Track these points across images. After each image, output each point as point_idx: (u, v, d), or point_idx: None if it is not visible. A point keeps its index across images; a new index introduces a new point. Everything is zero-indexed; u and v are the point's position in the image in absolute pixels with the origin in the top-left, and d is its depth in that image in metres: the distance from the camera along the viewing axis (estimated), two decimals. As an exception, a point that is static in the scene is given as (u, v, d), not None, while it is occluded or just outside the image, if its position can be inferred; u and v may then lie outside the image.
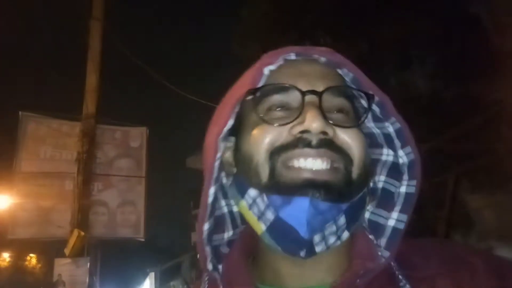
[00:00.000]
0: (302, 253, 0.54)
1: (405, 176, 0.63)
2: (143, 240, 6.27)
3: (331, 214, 0.54)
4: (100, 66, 5.25)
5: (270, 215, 0.56)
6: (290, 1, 8.15)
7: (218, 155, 0.62)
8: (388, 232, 0.63)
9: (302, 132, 0.55)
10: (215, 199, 0.64)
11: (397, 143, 0.64)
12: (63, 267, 5.03)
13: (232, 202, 0.69)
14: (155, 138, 6.56)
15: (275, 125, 0.57)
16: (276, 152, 0.56)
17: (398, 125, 0.63)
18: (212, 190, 0.63)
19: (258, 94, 0.60)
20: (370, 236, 0.63)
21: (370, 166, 0.61)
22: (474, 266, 0.57)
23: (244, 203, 0.60)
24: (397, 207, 0.63)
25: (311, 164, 0.54)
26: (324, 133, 0.55)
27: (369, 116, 0.65)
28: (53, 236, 5.54)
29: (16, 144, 5.47)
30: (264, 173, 0.56)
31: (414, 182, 0.63)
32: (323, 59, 0.63)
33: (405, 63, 8.70)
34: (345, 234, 0.57)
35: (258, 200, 0.58)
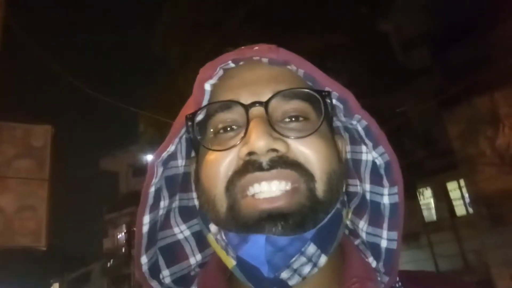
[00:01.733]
0: None
1: (385, 182, 0.57)
2: (44, 249, 5.77)
3: (295, 248, 0.48)
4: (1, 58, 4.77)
5: (232, 254, 0.50)
6: (212, 5, 8.14)
7: (155, 180, 0.55)
8: (383, 255, 0.57)
9: (250, 153, 0.48)
10: (154, 228, 0.57)
11: (368, 143, 0.57)
12: None
13: (196, 223, 0.62)
14: (63, 138, 6.10)
15: (223, 151, 0.51)
16: (231, 181, 0.50)
17: (364, 122, 0.56)
18: (146, 219, 0.56)
19: (199, 117, 0.54)
20: (370, 259, 0.58)
21: (340, 177, 0.54)
22: None
23: (211, 236, 0.54)
24: (385, 224, 0.57)
25: (266, 189, 0.48)
26: (274, 150, 0.48)
27: (341, 110, 0.57)
28: None
29: None
30: (222, 207, 0.50)
31: (395, 189, 0.56)
32: (265, 59, 0.55)
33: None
34: (322, 259, 0.50)
35: (219, 237, 0.52)
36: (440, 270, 13.15)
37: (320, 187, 0.50)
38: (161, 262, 0.59)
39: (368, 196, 0.60)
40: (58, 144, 6.16)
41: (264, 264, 0.48)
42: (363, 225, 0.60)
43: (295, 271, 0.49)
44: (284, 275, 0.48)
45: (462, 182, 12.90)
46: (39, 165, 5.72)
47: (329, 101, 0.54)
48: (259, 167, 0.48)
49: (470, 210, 13.12)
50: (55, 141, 5.95)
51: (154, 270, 0.58)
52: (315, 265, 0.50)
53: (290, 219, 0.47)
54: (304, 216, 0.48)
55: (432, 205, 14.37)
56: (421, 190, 13.61)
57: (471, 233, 11.58)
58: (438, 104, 9.67)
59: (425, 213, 14.29)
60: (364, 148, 0.60)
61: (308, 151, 0.51)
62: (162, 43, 8.52)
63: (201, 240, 0.62)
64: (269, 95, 0.52)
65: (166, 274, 0.59)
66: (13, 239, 5.50)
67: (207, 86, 0.56)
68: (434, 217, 14.24)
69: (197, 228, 0.62)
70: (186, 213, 0.63)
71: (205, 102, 0.56)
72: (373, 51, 8.93)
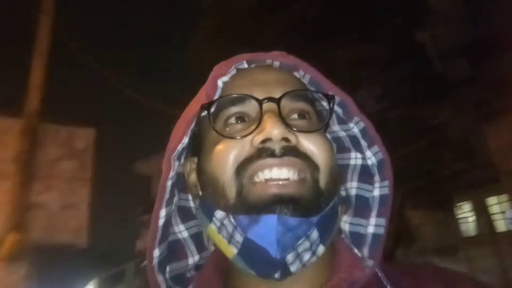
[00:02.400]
0: (277, 275, 0.52)
1: (377, 178, 0.62)
2: (85, 246, 6.02)
3: (302, 230, 0.52)
4: (47, 62, 5.05)
5: (238, 237, 0.54)
6: (247, 16, 8.26)
7: (172, 174, 0.60)
8: (369, 240, 0.61)
9: (264, 141, 0.53)
10: (168, 222, 0.61)
11: (363, 143, 0.63)
12: (-6, 272, 4.74)
13: (194, 225, 0.66)
14: (103, 141, 6.36)
15: (236, 138, 0.55)
16: (241, 167, 0.54)
17: (362, 124, 0.62)
18: (163, 212, 0.60)
19: (213, 108, 0.59)
20: (355, 250, 0.62)
21: (338, 172, 0.60)
22: None
23: (212, 227, 0.57)
24: (374, 212, 0.62)
25: (276, 174, 0.52)
26: (286, 139, 0.53)
27: (334, 119, 0.64)
28: (-15, 239, 5.19)
29: (-51, 140, 5.12)
30: (231, 193, 0.54)
31: (386, 183, 0.62)
32: (276, 63, 0.62)
33: (355, 85, 9.08)
34: (320, 249, 0.55)
35: (226, 222, 0.55)
36: None
37: (323, 179, 0.55)
38: (168, 257, 0.63)
39: (354, 192, 0.65)
40: (99, 146, 6.41)
41: (273, 244, 0.51)
42: (346, 219, 0.65)
43: (298, 255, 0.53)
44: (289, 257, 0.52)
45: (503, 197, 12.36)
46: (82, 166, 5.99)
47: (331, 104, 0.60)
48: (272, 154, 0.53)
49: (511, 226, 12.55)
50: (97, 143, 6.21)
51: (163, 264, 0.62)
52: (314, 253, 0.54)
53: (299, 204, 0.52)
54: (310, 202, 0.53)
55: (471, 219, 13.85)
56: (459, 204, 13.16)
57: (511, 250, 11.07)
58: (478, 115, 9.37)
59: (463, 228, 13.79)
60: (353, 154, 0.65)
61: (314, 146, 0.56)
62: (195, 55, 8.74)
63: (198, 242, 0.66)
64: (279, 94, 0.57)
65: (167, 270, 0.63)
66: (56, 236, 5.78)
67: (220, 83, 0.61)
68: (473, 232, 13.71)
69: (195, 230, 0.66)
70: (184, 213, 0.67)
71: (217, 97, 0.60)
72: (410, 62, 8.78)
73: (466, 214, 13.65)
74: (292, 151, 0.54)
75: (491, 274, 11.97)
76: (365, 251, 0.61)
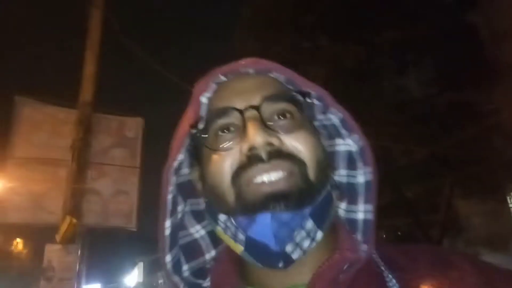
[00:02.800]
0: (281, 265, 0.57)
1: (360, 164, 0.65)
2: (135, 230, 6.29)
3: (296, 222, 0.56)
4: (99, 54, 5.24)
5: (241, 236, 0.59)
6: (289, 1, 8.16)
7: (170, 188, 0.65)
8: (360, 225, 0.65)
9: (250, 149, 0.56)
10: (176, 229, 0.67)
11: (344, 132, 0.66)
12: (53, 253, 5.04)
13: (209, 223, 0.70)
14: (150, 129, 6.55)
15: (226, 150, 0.59)
16: (236, 175, 0.58)
17: (340, 115, 0.65)
18: (168, 223, 0.65)
19: (200, 125, 0.63)
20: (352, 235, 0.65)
21: (326, 162, 0.62)
22: (462, 270, 0.58)
23: (219, 228, 0.63)
24: (361, 198, 0.65)
25: (267, 178, 0.56)
26: (270, 144, 0.56)
27: (318, 110, 0.66)
28: (45, 222, 5.54)
29: (11, 129, 5.44)
30: (231, 198, 0.58)
31: (369, 169, 0.64)
32: (251, 70, 0.64)
33: (402, 69, 8.74)
34: (319, 234, 0.59)
35: (229, 224, 0.60)
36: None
37: (311, 172, 0.58)
38: (182, 259, 0.68)
39: (344, 179, 0.67)
40: (147, 134, 6.61)
41: (271, 238, 0.55)
42: (343, 206, 0.67)
43: (297, 245, 0.56)
44: (289, 248, 0.56)
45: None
46: (132, 154, 6.23)
47: (308, 99, 0.62)
48: (260, 159, 0.56)
49: None
50: (145, 132, 6.43)
51: (176, 267, 0.67)
52: (313, 239, 0.57)
53: (290, 198, 0.55)
54: (301, 195, 0.56)
55: (524, 210, 13.16)
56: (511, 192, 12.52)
57: None
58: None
59: (515, 218, 13.14)
60: (339, 140, 0.68)
61: (298, 143, 0.58)
62: (240, 38, 8.75)
63: (214, 238, 0.70)
64: (259, 100, 0.60)
65: (185, 268, 0.68)
66: (108, 220, 6.06)
67: (203, 99, 0.65)
68: (526, 223, 13.03)
69: (210, 228, 0.71)
70: (198, 216, 0.72)
71: (203, 113, 0.65)
72: (460, 44, 8.36)
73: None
74: (277, 154, 0.56)
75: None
76: (359, 236, 0.64)
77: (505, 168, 9.82)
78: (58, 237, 5.10)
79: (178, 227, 0.69)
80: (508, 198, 12.38)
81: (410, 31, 7.59)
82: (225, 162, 0.59)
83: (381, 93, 8.24)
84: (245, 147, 0.57)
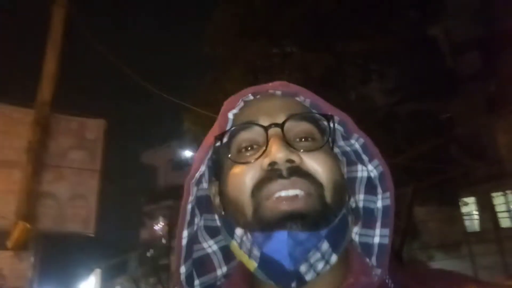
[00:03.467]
0: (293, 285, 0.56)
1: (379, 190, 0.66)
2: (93, 235, 6.06)
3: (312, 243, 0.56)
4: (60, 53, 5.04)
5: (256, 252, 0.58)
6: (261, 8, 8.23)
7: (191, 198, 0.66)
8: (375, 249, 0.65)
9: (271, 164, 0.57)
10: (191, 241, 0.67)
11: (364, 158, 0.67)
12: (4, 261, 4.79)
13: (222, 238, 0.71)
14: (110, 131, 6.35)
15: (247, 163, 0.60)
16: (256, 188, 0.58)
17: (362, 140, 0.66)
18: (185, 233, 0.66)
19: (225, 138, 0.64)
20: (366, 259, 0.65)
21: (343, 186, 0.63)
22: None
23: (234, 243, 0.62)
24: (378, 223, 0.66)
25: (285, 194, 0.57)
26: (291, 161, 0.57)
27: (339, 135, 0.68)
28: (-4, 227, 5.22)
29: (-39, 128, 5.13)
30: (249, 211, 0.58)
31: (388, 194, 0.65)
32: (278, 92, 0.66)
33: (366, 78, 9.01)
34: (333, 258, 0.58)
35: (245, 239, 0.60)
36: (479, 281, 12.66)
37: (328, 194, 0.58)
38: (194, 273, 0.68)
39: (361, 204, 0.69)
40: (108, 137, 6.42)
41: (286, 257, 0.55)
42: (357, 230, 0.68)
43: (311, 266, 0.56)
44: (303, 268, 0.56)
45: (509, 193, 12.33)
46: (92, 157, 6.00)
47: (332, 123, 0.64)
48: (280, 175, 0.57)
49: (517, 223, 12.54)
50: (107, 134, 6.22)
51: (190, 279, 0.67)
52: (327, 262, 0.57)
53: (307, 219, 0.55)
54: (318, 217, 0.56)
55: (476, 215, 13.83)
56: (464, 199, 13.12)
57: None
58: (488, 111, 9.29)
59: (467, 223, 13.77)
60: (359, 167, 0.70)
61: (317, 164, 0.59)
62: (211, 44, 8.70)
63: (227, 254, 0.71)
64: (283, 118, 0.62)
65: (197, 283, 0.68)
66: (65, 225, 5.81)
67: (230, 115, 0.67)
68: (477, 228, 13.69)
69: (223, 243, 0.71)
70: (211, 231, 0.72)
71: (228, 128, 0.66)
72: (421, 56, 8.70)
73: (471, 210, 13.63)
74: (297, 172, 0.58)
75: (493, 270, 11.99)
76: (373, 260, 0.65)
77: (460, 176, 10.30)
78: (9, 244, 4.85)
79: (193, 239, 0.69)
80: (460, 204, 12.97)
81: (375, 43, 7.84)
82: (246, 175, 0.60)
83: (345, 101, 8.45)
84: (266, 161, 0.58)
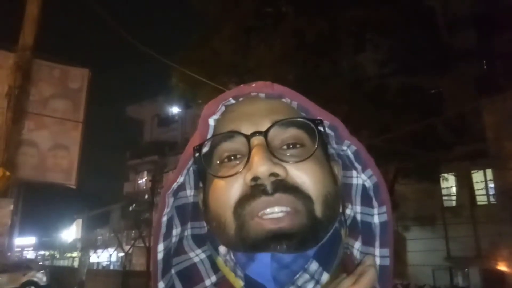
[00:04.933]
0: None
1: (375, 203, 0.62)
2: (74, 187, 6.02)
3: (298, 265, 0.52)
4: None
5: (240, 273, 0.55)
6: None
7: (166, 210, 0.61)
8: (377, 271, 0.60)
9: (254, 179, 0.52)
10: (169, 254, 0.63)
11: (357, 166, 0.62)
12: (-18, 207, 4.74)
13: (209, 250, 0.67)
14: (96, 82, 6.19)
15: (229, 178, 0.55)
16: (238, 205, 0.54)
17: (354, 147, 0.61)
18: (161, 247, 0.61)
19: (205, 149, 0.60)
20: None
21: (336, 198, 0.58)
22: None
23: (220, 259, 0.59)
24: (377, 242, 0.61)
25: (271, 212, 0.52)
26: (275, 174, 0.52)
27: (332, 139, 0.62)
28: (-27, 173, 5.13)
29: None
30: (231, 230, 0.54)
31: (384, 209, 0.60)
32: (262, 95, 0.60)
33: (360, 47, 8.87)
34: (324, 277, 0.54)
35: (228, 258, 0.57)
36: (452, 256, 13.16)
37: (318, 208, 0.53)
38: (178, 286, 0.64)
39: (359, 217, 0.64)
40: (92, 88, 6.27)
41: (270, 281, 0.52)
42: (354, 244, 0.64)
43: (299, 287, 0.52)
44: None
45: (488, 172, 12.62)
46: (75, 107, 5.87)
47: (321, 128, 0.58)
48: (264, 191, 0.52)
49: (492, 200, 12.90)
50: (91, 84, 6.06)
51: None
52: (317, 282, 0.53)
53: (293, 239, 0.51)
54: (306, 235, 0.52)
55: (454, 191, 14.19)
56: (445, 175, 13.38)
57: (489, 223, 11.45)
58: (477, 90, 9.31)
59: (445, 199, 14.15)
60: (354, 172, 0.64)
61: (305, 175, 0.54)
62: (201, 0, 8.40)
63: (214, 263, 0.65)
64: (268, 125, 0.56)
65: None
66: (45, 175, 5.75)
67: (211, 121, 0.61)
68: (454, 204, 14.09)
69: (209, 253, 0.67)
70: (199, 240, 0.67)
71: (209, 136, 0.61)
72: (417, 28, 8.56)
73: (450, 185, 13.96)
74: (281, 187, 0.52)
75: (465, 245, 12.46)
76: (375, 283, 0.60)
77: (442, 151, 10.45)
78: (-12, 189, 4.79)
79: (174, 252, 0.64)
80: (440, 179, 13.27)
81: (369, 11, 7.67)
82: (228, 190, 0.55)
83: (337, 70, 8.36)
84: (248, 177, 0.52)
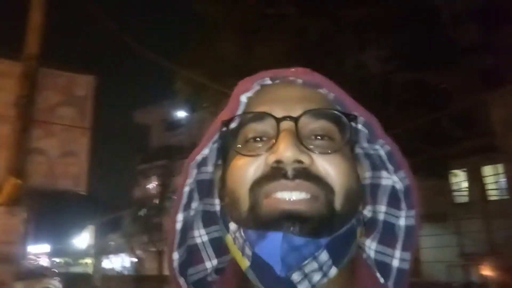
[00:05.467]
0: None
1: (403, 205, 0.60)
2: (84, 193, 6.08)
3: (308, 250, 0.51)
4: (47, 2, 4.86)
5: (248, 251, 0.54)
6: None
7: (189, 181, 0.61)
8: (394, 273, 0.60)
9: (277, 162, 0.52)
10: (186, 227, 0.62)
11: (389, 167, 0.61)
12: (-5, 215, 4.81)
13: (215, 229, 0.67)
14: (102, 89, 6.25)
15: (251, 156, 0.55)
16: (256, 184, 0.54)
17: (388, 147, 0.60)
18: (180, 217, 0.61)
19: (233, 124, 0.59)
20: (378, 276, 0.60)
21: (358, 195, 0.57)
22: None
23: (229, 237, 0.58)
24: (399, 244, 0.60)
25: (288, 196, 0.51)
26: (299, 161, 0.52)
27: (364, 137, 0.61)
28: (-15, 182, 5.21)
29: None
30: (245, 207, 0.54)
31: (412, 213, 0.59)
32: (299, 80, 0.60)
33: (363, 45, 8.84)
34: (333, 271, 0.53)
35: (237, 235, 0.56)
36: (465, 252, 13.02)
37: (338, 200, 0.53)
38: (187, 261, 0.64)
39: (382, 217, 0.62)
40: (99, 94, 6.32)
41: (278, 262, 0.50)
42: (370, 243, 0.63)
43: (305, 276, 0.51)
44: (295, 277, 0.51)
45: (499, 167, 12.49)
46: (82, 114, 5.92)
47: (354, 124, 0.58)
48: (284, 175, 0.52)
49: (504, 195, 12.76)
50: (97, 91, 6.12)
51: (183, 268, 0.63)
52: (325, 274, 0.52)
53: (308, 223, 0.50)
54: (321, 222, 0.51)
55: (465, 187, 14.05)
56: (455, 171, 13.26)
57: (502, 219, 11.31)
58: (484, 84, 9.21)
59: (456, 194, 14.02)
60: (384, 173, 0.63)
61: (330, 166, 0.54)
62: (203, 3, 8.45)
63: (218, 246, 0.66)
64: (299, 112, 0.55)
65: (188, 273, 0.64)
66: (55, 182, 5.81)
67: (243, 98, 0.61)
68: (465, 199, 13.95)
69: (216, 235, 0.67)
70: (208, 218, 0.67)
71: (240, 112, 0.61)
72: (420, 24, 8.52)
73: (460, 181, 13.81)
74: (304, 174, 0.52)
75: (478, 241, 12.32)
76: (390, 284, 0.60)
77: (451, 146, 10.35)
78: (1, 199, 4.87)
79: (189, 225, 0.65)
80: (450, 175, 13.15)
81: (373, 8, 7.65)
82: (248, 168, 0.55)
83: (341, 68, 8.34)
84: (271, 158, 0.53)
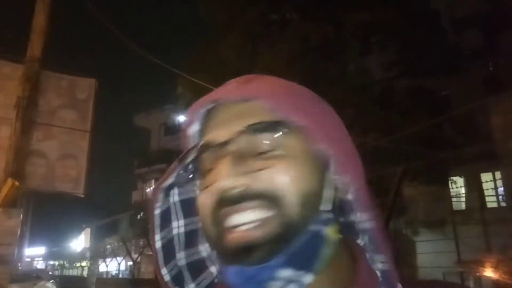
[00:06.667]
0: None
1: (357, 210, 0.59)
2: (82, 196, 6.06)
3: (266, 275, 0.51)
4: (51, 6, 4.86)
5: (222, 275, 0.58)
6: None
7: (158, 204, 0.64)
8: (379, 274, 0.61)
9: (220, 191, 0.53)
10: (170, 244, 0.65)
11: (336, 169, 0.59)
12: (-8, 217, 4.79)
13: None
14: (103, 92, 6.24)
15: (203, 189, 0.57)
16: (214, 215, 0.55)
17: (331, 150, 0.57)
18: (157, 237, 0.64)
19: (189, 159, 0.60)
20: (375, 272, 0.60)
21: (314, 196, 0.55)
22: None
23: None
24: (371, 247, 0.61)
25: (238, 220, 0.52)
26: (239, 185, 0.52)
27: (304, 141, 0.59)
28: (-17, 184, 5.18)
29: None
30: (212, 242, 0.56)
31: (367, 216, 0.58)
32: (236, 97, 0.58)
33: (366, 50, 8.87)
34: (307, 277, 0.53)
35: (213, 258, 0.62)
36: (462, 260, 13.01)
37: (292, 208, 0.52)
38: (187, 277, 0.65)
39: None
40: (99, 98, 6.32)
41: None
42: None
43: None
44: None
45: (498, 174, 12.49)
46: (82, 117, 5.92)
47: (286, 130, 0.56)
48: (231, 201, 0.52)
49: (503, 203, 12.76)
50: (98, 94, 6.11)
51: (177, 280, 0.65)
52: (301, 284, 0.52)
53: (258, 251, 0.51)
54: (274, 245, 0.51)
55: (463, 194, 14.04)
56: (453, 178, 13.26)
57: (500, 226, 11.31)
58: (485, 90, 9.23)
59: (454, 202, 14.01)
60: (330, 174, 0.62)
61: (278, 176, 0.53)
62: (207, 8, 8.47)
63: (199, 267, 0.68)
64: (239, 131, 0.55)
65: (192, 286, 0.65)
66: (54, 185, 5.79)
67: (190, 132, 0.63)
68: (463, 207, 13.95)
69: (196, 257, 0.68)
70: (192, 238, 0.69)
71: (195, 140, 0.63)
72: (423, 30, 8.55)
73: (459, 188, 13.81)
74: (247, 195, 0.52)
75: (476, 249, 12.30)
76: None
77: (451, 154, 10.36)
78: (-2, 200, 4.84)
79: (184, 245, 0.66)
80: (449, 182, 13.14)
81: (375, 14, 7.67)
82: (206, 201, 0.56)
83: (343, 74, 8.36)
84: (214, 189, 0.54)
